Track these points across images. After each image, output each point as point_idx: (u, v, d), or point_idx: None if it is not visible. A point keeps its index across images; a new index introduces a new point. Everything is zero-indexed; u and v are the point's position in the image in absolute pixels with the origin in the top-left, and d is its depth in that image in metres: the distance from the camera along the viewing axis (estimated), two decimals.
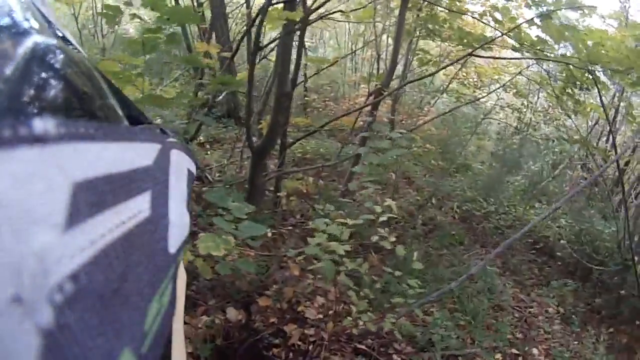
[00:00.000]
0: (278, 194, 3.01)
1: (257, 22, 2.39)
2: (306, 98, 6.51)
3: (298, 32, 2.78)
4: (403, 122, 5.94)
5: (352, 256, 2.11)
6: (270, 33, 3.78)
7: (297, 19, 2.26)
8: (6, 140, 0.16)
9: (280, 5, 2.31)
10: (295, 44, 2.86)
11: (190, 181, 0.43)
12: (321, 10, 3.10)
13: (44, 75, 0.25)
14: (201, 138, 4.34)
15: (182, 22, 1.83)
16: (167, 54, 2.06)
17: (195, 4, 4.41)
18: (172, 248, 0.34)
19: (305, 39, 6.75)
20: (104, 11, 2.03)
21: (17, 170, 0.16)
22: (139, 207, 0.27)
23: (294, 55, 2.85)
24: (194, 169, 0.46)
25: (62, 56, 0.30)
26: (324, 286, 1.97)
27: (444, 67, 4.95)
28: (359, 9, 4.04)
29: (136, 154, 0.28)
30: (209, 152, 4.23)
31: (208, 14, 4.69)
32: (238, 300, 2.01)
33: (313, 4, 2.69)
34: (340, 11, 3.68)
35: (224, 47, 3.54)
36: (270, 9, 2.23)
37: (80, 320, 0.19)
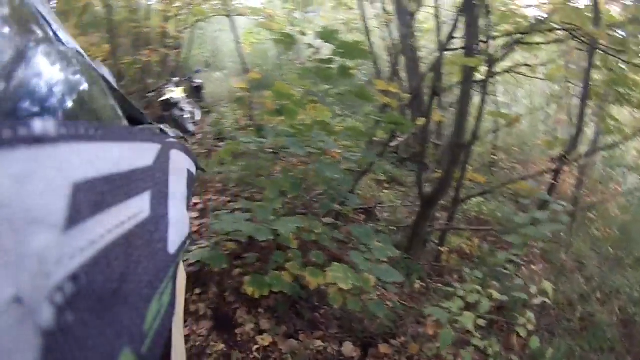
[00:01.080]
0: (440, 248, 2.86)
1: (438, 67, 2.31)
2: (493, 157, 6.22)
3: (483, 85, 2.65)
4: (588, 197, 5.12)
5: (490, 331, 1.93)
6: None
7: (473, 65, 2.18)
8: (6, 141, 0.16)
9: (462, 52, 2.23)
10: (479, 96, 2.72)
11: (190, 181, 0.43)
12: (509, 64, 2.84)
13: (44, 76, 0.25)
14: (382, 175, 4.31)
15: (351, 57, 1.86)
16: (345, 86, 2.08)
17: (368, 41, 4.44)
18: (172, 248, 0.34)
19: (498, 95, 6.19)
20: (280, 37, 2.10)
21: (16, 171, 0.16)
22: (138, 207, 0.27)
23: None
24: (193, 169, 0.46)
25: (62, 58, 0.30)
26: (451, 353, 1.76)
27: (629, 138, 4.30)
28: (545, 64, 3.69)
29: (136, 155, 0.28)
30: (385, 191, 4.08)
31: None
32: (359, 338, 1.92)
33: (499, 55, 2.54)
34: (527, 65, 3.35)
35: (412, 88, 3.44)
36: (451, 54, 2.18)
37: (81, 320, 0.19)
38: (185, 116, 4.98)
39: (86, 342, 0.20)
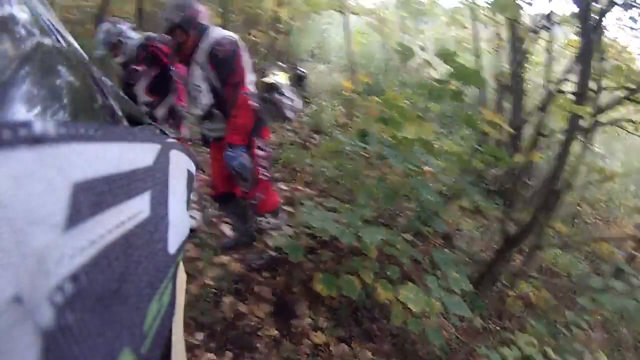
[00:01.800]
0: (508, 290, 2.76)
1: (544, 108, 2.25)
2: (578, 207, 5.98)
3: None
4: None
5: None
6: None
7: (581, 114, 2.10)
8: (6, 141, 0.16)
9: (570, 96, 2.18)
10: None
11: (190, 181, 0.43)
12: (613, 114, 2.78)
13: (44, 76, 0.25)
14: (466, 203, 4.21)
15: (467, 82, 1.84)
16: (454, 109, 2.06)
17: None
18: (172, 248, 0.34)
19: (596, 145, 5.69)
20: (398, 48, 2.09)
21: (17, 171, 0.16)
22: (138, 207, 0.27)
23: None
24: (193, 170, 0.46)
25: (62, 58, 0.30)
26: None
27: None
28: None
29: (136, 155, 0.28)
30: (466, 219, 3.91)
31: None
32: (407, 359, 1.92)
33: (607, 107, 2.47)
34: (630, 120, 3.26)
35: (515, 123, 3.38)
36: (559, 96, 2.13)
37: (80, 320, 0.19)
38: (285, 102, 4.94)
39: (86, 342, 0.20)
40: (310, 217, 1.74)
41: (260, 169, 2.02)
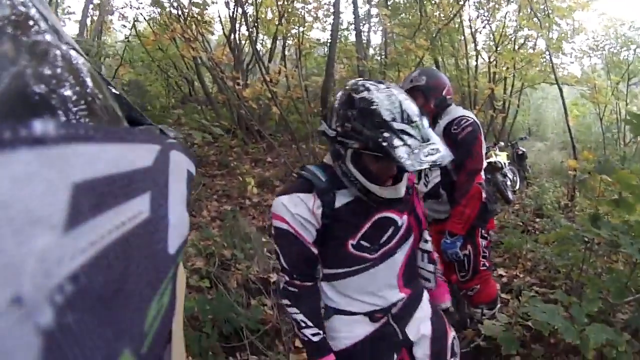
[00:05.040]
0: None
1: None
2: None
3: None
4: None
5: None
6: None
7: None
8: (7, 142, 0.16)
9: None
10: None
11: (190, 182, 0.43)
12: None
13: (45, 76, 0.25)
14: None
15: None
16: None
17: None
18: (172, 249, 0.34)
19: None
20: (628, 118, 1.80)
21: (17, 172, 0.16)
22: (138, 208, 0.27)
23: None
24: (193, 170, 0.46)
25: (62, 58, 0.30)
26: None
27: None
28: None
29: (136, 155, 0.28)
30: None
31: None
32: None
33: None
34: None
35: None
36: None
37: (81, 321, 0.19)
38: (507, 183, 4.77)
39: (86, 343, 0.20)
40: (535, 309, 1.62)
41: (481, 259, 1.89)
